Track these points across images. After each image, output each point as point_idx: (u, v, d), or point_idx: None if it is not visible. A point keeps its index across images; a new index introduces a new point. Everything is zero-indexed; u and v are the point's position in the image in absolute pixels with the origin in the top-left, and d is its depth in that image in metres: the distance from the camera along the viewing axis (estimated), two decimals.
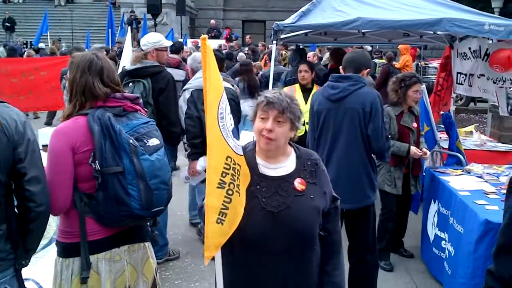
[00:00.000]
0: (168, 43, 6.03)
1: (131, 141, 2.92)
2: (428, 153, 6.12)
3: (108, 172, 2.89)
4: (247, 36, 26.26)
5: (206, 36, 2.68)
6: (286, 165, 2.82)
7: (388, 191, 5.82)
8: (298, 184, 2.75)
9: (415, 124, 5.91)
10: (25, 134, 2.69)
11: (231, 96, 5.63)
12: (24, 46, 24.60)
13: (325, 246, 2.87)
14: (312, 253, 2.80)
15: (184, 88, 6.05)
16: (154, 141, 3.06)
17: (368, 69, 4.74)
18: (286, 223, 2.70)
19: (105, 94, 3.04)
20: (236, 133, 2.78)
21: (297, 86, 7.34)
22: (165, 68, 5.87)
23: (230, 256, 2.76)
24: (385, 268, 5.75)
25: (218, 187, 2.55)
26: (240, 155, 2.71)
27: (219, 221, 2.55)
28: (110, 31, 17.51)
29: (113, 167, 2.89)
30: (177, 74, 7.56)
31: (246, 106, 10.36)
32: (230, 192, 2.59)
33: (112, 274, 3.03)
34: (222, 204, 2.55)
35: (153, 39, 5.80)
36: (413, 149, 5.75)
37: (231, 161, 2.61)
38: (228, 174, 2.58)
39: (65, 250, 3.03)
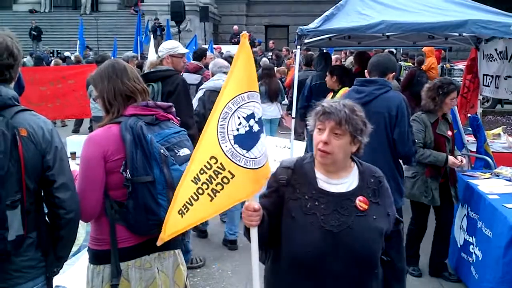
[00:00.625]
0: (184, 50, 6.04)
1: (162, 151, 2.93)
2: (465, 160, 5.86)
3: (139, 181, 2.91)
4: (271, 42, 26.25)
5: (247, 33, 2.74)
6: (348, 181, 2.64)
7: (426, 203, 5.52)
8: (361, 202, 2.57)
9: (450, 132, 5.63)
10: (52, 141, 2.71)
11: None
12: (51, 55, 24.93)
13: (387, 273, 2.71)
14: (372, 279, 2.62)
15: (200, 88, 6.32)
16: (185, 151, 3.08)
17: (394, 73, 4.73)
18: (347, 245, 2.51)
19: (137, 90, 3.08)
20: (246, 141, 2.56)
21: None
22: (179, 73, 5.90)
23: (274, 275, 2.74)
24: (414, 273, 5.69)
25: (191, 180, 2.57)
26: (241, 165, 2.53)
27: (180, 211, 2.62)
28: (138, 38, 17.63)
29: (143, 176, 2.91)
30: (192, 78, 7.60)
31: (267, 110, 10.43)
32: (200, 191, 2.55)
33: (143, 281, 3.04)
34: (188, 199, 2.57)
35: (168, 46, 5.88)
36: (451, 158, 5.46)
37: (215, 163, 2.52)
38: (206, 173, 2.52)
39: (96, 257, 3.06)
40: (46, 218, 2.81)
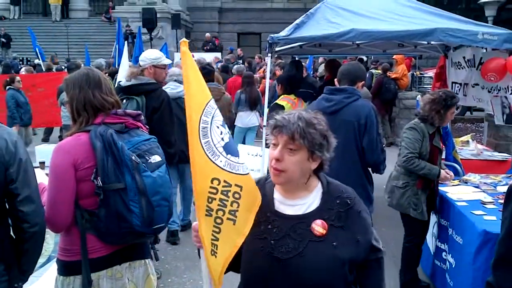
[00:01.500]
0: (167, 61, 6.01)
1: (133, 157, 2.91)
2: (452, 175, 5.64)
3: (110, 188, 2.88)
4: (239, 49, 26.23)
5: (186, 40, 2.46)
6: (307, 202, 2.35)
7: (412, 216, 5.25)
8: (317, 226, 2.27)
9: (442, 146, 5.51)
10: (16, 153, 2.66)
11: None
12: (20, 62, 24.60)
13: None
14: None
15: None
16: (155, 158, 3.06)
17: (363, 82, 4.76)
18: (296, 274, 2.25)
19: (107, 103, 3.05)
20: (233, 148, 2.41)
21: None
22: (161, 86, 5.85)
23: None
24: None
25: (206, 215, 2.29)
26: (240, 173, 2.35)
27: (212, 252, 2.33)
28: (117, 46, 17.51)
29: (115, 183, 2.88)
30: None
31: (246, 119, 10.46)
32: (218, 220, 2.29)
33: None
34: (212, 235, 2.30)
35: (151, 56, 5.80)
36: (443, 173, 5.31)
37: (219, 184, 2.28)
38: (215, 199, 2.27)
39: (66, 268, 3.01)
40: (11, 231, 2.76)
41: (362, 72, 4.86)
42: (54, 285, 3.11)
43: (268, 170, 2.35)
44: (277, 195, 2.41)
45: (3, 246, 2.69)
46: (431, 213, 5.59)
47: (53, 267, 4.23)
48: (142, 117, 3.25)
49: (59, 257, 3.05)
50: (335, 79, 4.78)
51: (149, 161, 3.01)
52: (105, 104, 3.04)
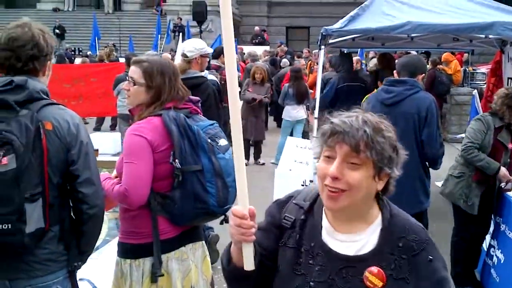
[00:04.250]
0: (210, 50, 5.99)
1: (208, 140, 2.99)
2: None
3: (188, 170, 2.99)
4: (282, 45, 26.10)
5: None
6: (362, 239, 1.81)
7: (462, 208, 5.16)
8: (371, 275, 1.74)
9: (511, 145, 5.21)
10: (78, 136, 2.71)
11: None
12: (73, 53, 25.15)
13: None
14: None
15: None
16: (223, 141, 3.18)
17: (423, 74, 4.72)
18: None
19: (182, 91, 3.20)
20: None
21: None
22: (207, 79, 5.84)
23: None
24: None
25: None
26: None
27: None
28: (158, 38, 17.76)
29: (192, 165, 2.99)
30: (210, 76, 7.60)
31: (294, 112, 10.50)
32: None
33: (180, 273, 3.09)
34: None
35: (199, 45, 5.69)
36: (504, 170, 5.04)
37: None
38: None
39: (133, 251, 3.08)
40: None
41: (422, 64, 4.81)
42: (115, 269, 3.20)
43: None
44: (325, 222, 1.87)
45: (63, 227, 2.75)
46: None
47: (107, 249, 4.35)
48: (199, 104, 3.36)
49: (124, 241, 3.14)
50: (394, 71, 4.74)
51: (219, 144, 3.11)
52: (181, 91, 3.18)
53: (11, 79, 2.61)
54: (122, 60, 15.05)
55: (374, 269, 1.75)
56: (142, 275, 3.03)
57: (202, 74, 5.65)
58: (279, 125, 13.18)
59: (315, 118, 7.18)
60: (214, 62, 8.73)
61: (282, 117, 10.65)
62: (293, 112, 10.53)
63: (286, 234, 1.93)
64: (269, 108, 14.70)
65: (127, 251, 3.12)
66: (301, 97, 10.33)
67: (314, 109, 7.32)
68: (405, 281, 1.76)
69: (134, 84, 3.14)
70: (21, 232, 2.47)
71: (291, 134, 10.41)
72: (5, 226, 2.43)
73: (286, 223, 1.94)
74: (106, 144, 9.66)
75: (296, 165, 7.80)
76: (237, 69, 11.31)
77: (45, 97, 2.69)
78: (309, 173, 6.12)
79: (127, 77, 3.28)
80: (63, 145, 2.66)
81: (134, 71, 3.15)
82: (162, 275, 3.01)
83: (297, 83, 10.35)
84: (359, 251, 1.80)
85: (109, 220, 5.01)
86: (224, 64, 6.93)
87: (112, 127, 14.18)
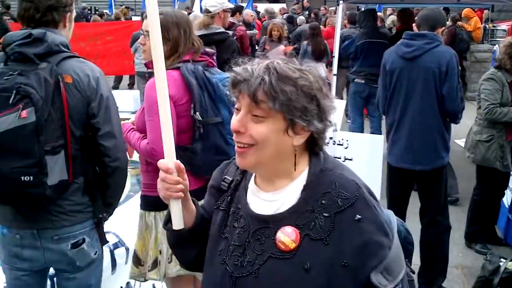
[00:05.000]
0: (231, 5, 5.93)
1: (228, 92, 3.00)
2: None
3: (209, 122, 3.02)
4: (305, 0, 25.80)
5: None
6: (282, 196, 1.64)
7: (499, 169, 5.09)
8: (283, 235, 1.56)
9: None
10: (98, 89, 2.70)
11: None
12: (89, 12, 25.04)
13: None
14: None
15: None
16: None
17: (443, 27, 4.63)
18: None
19: (197, 43, 3.19)
20: None
21: None
22: (229, 34, 5.77)
23: None
24: (482, 252, 5.33)
25: None
26: None
27: None
28: None
29: (213, 117, 3.02)
30: None
31: None
32: None
33: None
34: None
35: (221, 0, 5.62)
36: None
37: None
38: None
39: (157, 203, 3.11)
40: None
41: (442, 18, 4.70)
42: (140, 222, 3.26)
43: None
44: (251, 183, 1.76)
45: (87, 179, 2.78)
46: None
47: (130, 203, 4.42)
48: (215, 57, 3.37)
49: (147, 193, 3.17)
50: (414, 25, 4.66)
51: None
52: (196, 43, 3.16)
53: (29, 32, 2.60)
54: (136, 18, 14.97)
55: (288, 229, 1.56)
56: None
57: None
58: None
59: (334, 75, 7.15)
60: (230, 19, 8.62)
61: None
62: None
63: (222, 197, 1.81)
64: None
65: (150, 204, 3.16)
66: (320, 55, 10.22)
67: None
68: (323, 242, 1.53)
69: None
70: (43, 184, 2.49)
71: None
72: (27, 178, 2.45)
73: (224, 185, 1.83)
74: (125, 101, 9.71)
75: None
76: (253, 27, 11.30)
77: (65, 50, 2.69)
78: (329, 131, 6.12)
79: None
80: (83, 99, 2.67)
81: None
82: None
83: (315, 40, 10.23)
84: (277, 210, 1.62)
85: (131, 176, 5.09)
86: (239, 21, 6.88)
87: (130, 86, 14.19)
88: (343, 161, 5.80)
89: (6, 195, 2.52)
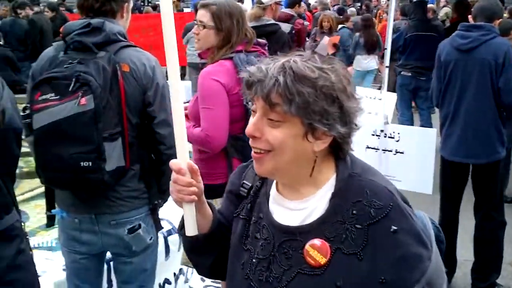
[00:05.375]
0: None
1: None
2: None
3: None
4: None
5: None
6: (309, 205, 1.50)
7: None
8: (312, 250, 1.43)
9: None
10: (154, 78, 2.76)
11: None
12: (142, 3, 25.39)
13: None
14: None
15: None
16: None
17: (500, 19, 4.52)
18: None
19: (250, 33, 3.22)
20: None
21: None
22: (280, 26, 5.77)
23: None
24: None
25: None
26: None
27: None
28: None
29: None
30: (284, 27, 7.54)
31: (364, 62, 10.33)
32: None
33: None
34: None
35: None
36: None
37: None
38: None
39: (210, 191, 3.16)
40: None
41: (499, 9, 4.58)
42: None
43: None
44: (273, 190, 1.61)
45: (144, 166, 2.84)
46: None
47: None
48: (267, 47, 3.37)
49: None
50: (469, 16, 4.57)
51: None
52: (249, 33, 3.19)
53: (88, 21, 2.68)
54: (187, 10, 15.11)
55: (317, 241, 1.43)
56: None
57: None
58: None
59: (386, 67, 7.06)
60: (287, 11, 8.63)
61: (353, 67, 10.51)
62: (364, 62, 10.35)
63: (242, 204, 1.69)
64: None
65: (204, 192, 3.20)
66: (372, 47, 10.12)
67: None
68: (356, 256, 1.40)
69: (204, 28, 3.16)
70: (101, 170, 2.56)
71: (361, 85, 10.28)
72: (86, 164, 2.52)
73: (243, 191, 1.70)
74: None
75: (365, 115, 7.72)
76: (304, 19, 11.23)
77: (122, 39, 2.76)
78: (380, 123, 6.04)
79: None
80: (139, 87, 2.73)
81: (203, 15, 3.18)
82: None
83: (367, 32, 10.13)
84: (304, 221, 1.48)
85: None
86: (299, 14, 6.87)
87: (181, 77, 14.32)
88: (394, 154, 5.75)
89: (66, 180, 2.60)
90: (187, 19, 10.69)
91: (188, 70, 11.04)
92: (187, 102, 3.52)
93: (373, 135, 5.94)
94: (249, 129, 1.46)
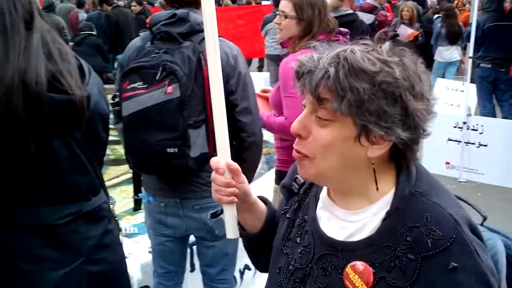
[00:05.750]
0: None
1: None
2: None
3: None
4: None
5: None
6: (360, 220, 1.30)
7: None
8: (354, 275, 1.24)
9: None
10: (236, 67, 2.80)
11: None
12: None
13: None
14: None
15: None
16: None
17: None
18: None
19: (332, 23, 3.24)
20: None
21: None
22: (358, 16, 5.75)
23: None
24: None
25: None
26: None
27: None
28: None
29: None
30: (364, 18, 7.47)
31: (446, 53, 10.08)
32: None
33: None
34: None
35: None
36: None
37: None
38: None
39: None
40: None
41: None
42: (273, 196, 3.38)
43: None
44: (324, 192, 1.43)
45: None
46: None
47: (263, 180, 4.55)
48: (348, 36, 3.37)
49: (282, 169, 3.29)
50: None
51: None
52: (331, 23, 3.21)
53: (174, 12, 2.76)
54: (266, 3, 15.17)
55: (360, 265, 1.23)
56: None
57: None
58: (427, 66, 12.74)
59: (469, 57, 6.87)
60: (370, 1, 8.56)
61: (434, 58, 10.27)
62: (446, 53, 10.10)
63: (290, 201, 1.55)
64: None
65: (281, 178, 3.25)
66: (454, 37, 9.86)
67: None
68: None
69: (286, 18, 3.21)
70: (186, 156, 2.63)
71: (443, 77, 10.04)
72: (172, 150, 2.60)
73: (295, 186, 1.54)
74: (256, 83, 9.93)
75: (446, 107, 7.57)
76: (383, 9, 11.03)
77: None
78: (462, 115, 5.91)
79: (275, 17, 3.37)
80: (222, 76, 2.80)
81: (285, 5, 3.22)
82: None
83: (449, 22, 9.87)
84: (351, 237, 1.30)
85: (262, 155, 5.26)
86: (380, 5, 6.84)
87: (259, 68, 14.41)
88: (477, 147, 5.62)
89: (153, 165, 2.69)
90: (265, 11, 10.77)
91: (266, 61, 11.12)
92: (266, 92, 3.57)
93: (455, 127, 5.83)
94: (294, 127, 1.30)
